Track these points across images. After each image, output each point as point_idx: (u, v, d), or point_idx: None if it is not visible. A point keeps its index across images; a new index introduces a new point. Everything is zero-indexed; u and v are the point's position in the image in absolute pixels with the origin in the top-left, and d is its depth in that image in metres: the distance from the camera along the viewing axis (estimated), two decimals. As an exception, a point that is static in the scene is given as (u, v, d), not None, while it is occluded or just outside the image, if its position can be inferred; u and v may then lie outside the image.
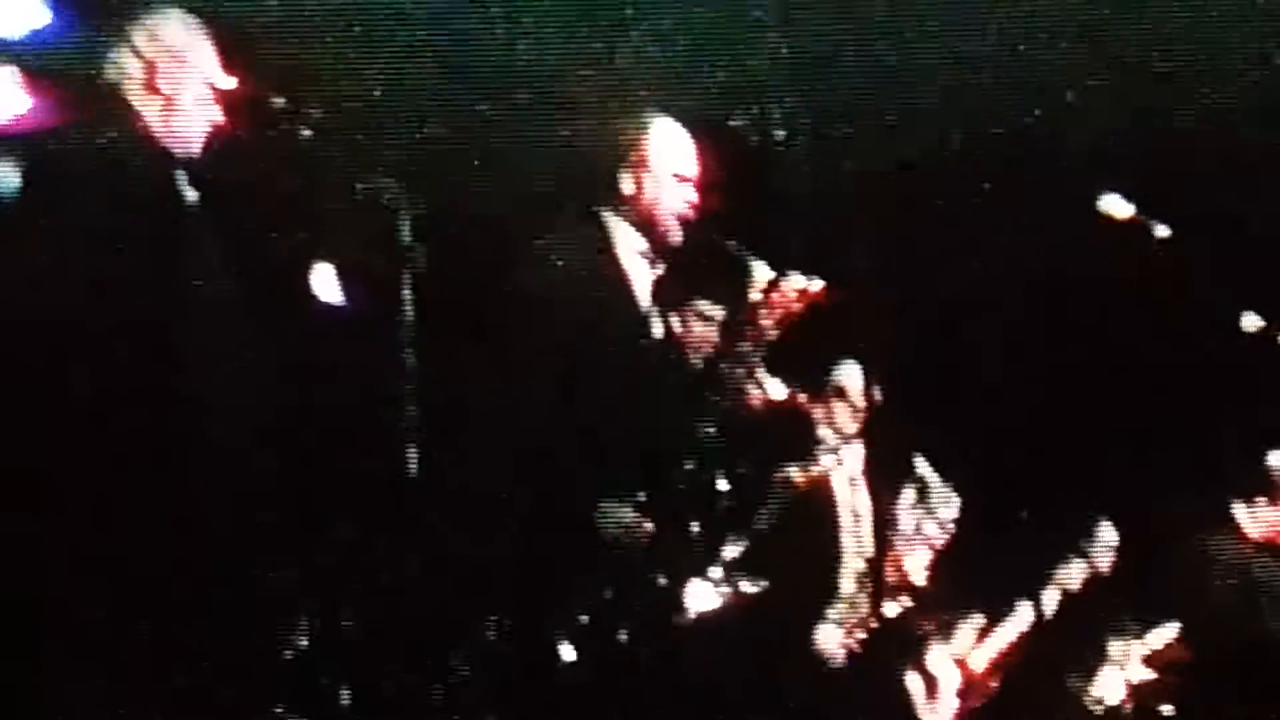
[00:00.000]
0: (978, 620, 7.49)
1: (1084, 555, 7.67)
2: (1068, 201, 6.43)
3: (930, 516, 7.22)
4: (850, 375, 6.93)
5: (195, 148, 5.31)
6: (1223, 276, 6.50)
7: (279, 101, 5.52)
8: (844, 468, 6.83)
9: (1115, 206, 6.24)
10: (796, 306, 5.28)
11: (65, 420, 5.00)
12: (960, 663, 7.39)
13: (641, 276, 5.43)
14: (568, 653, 4.98)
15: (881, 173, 6.42)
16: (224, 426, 5.26)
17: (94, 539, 4.95)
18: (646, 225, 5.42)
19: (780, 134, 6.21)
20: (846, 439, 6.86)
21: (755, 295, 5.29)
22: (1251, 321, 6.55)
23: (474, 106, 6.06)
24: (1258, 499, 7.71)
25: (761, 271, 5.31)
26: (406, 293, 5.45)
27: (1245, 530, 7.72)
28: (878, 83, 6.34)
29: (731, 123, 6.12)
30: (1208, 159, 6.52)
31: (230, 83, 5.31)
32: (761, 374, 5.24)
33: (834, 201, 6.33)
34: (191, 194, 5.31)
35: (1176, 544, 7.64)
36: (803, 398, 6.72)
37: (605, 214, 5.43)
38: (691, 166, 5.46)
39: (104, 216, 5.11)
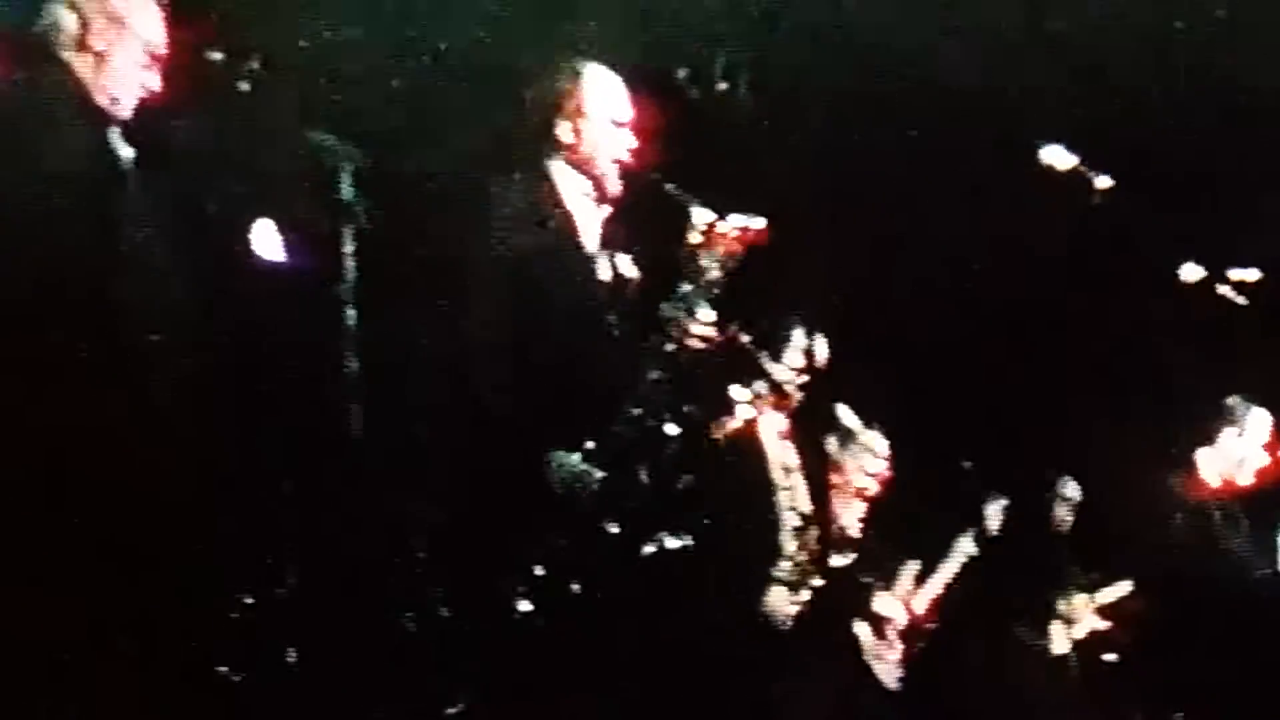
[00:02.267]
0: (915, 565, 7.48)
1: (1016, 502, 7.67)
2: (1010, 152, 6.43)
3: (860, 466, 7.19)
4: (795, 334, 6.89)
5: (130, 105, 5.25)
6: (1164, 227, 6.52)
7: (216, 56, 5.48)
8: (769, 421, 6.80)
9: (1057, 157, 6.26)
10: (737, 247, 5.28)
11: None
12: (905, 605, 7.39)
13: (588, 221, 5.42)
14: (523, 605, 4.97)
15: (823, 119, 6.43)
16: (164, 387, 5.20)
17: (27, 495, 4.88)
18: (588, 172, 5.42)
19: (722, 85, 6.22)
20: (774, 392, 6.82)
21: (696, 237, 5.29)
22: (1192, 272, 6.57)
23: (413, 59, 6.04)
24: (1201, 447, 7.72)
25: (701, 214, 5.31)
26: (348, 248, 5.41)
27: (1202, 478, 7.73)
28: (818, 30, 6.34)
29: (674, 73, 6.14)
30: (1151, 109, 6.55)
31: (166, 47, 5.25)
32: (705, 315, 5.23)
33: (774, 147, 6.33)
34: (127, 151, 5.25)
35: (1117, 495, 7.66)
36: (745, 339, 6.70)
37: (549, 161, 5.42)
38: (626, 112, 5.45)
39: (37, 175, 5.04)
